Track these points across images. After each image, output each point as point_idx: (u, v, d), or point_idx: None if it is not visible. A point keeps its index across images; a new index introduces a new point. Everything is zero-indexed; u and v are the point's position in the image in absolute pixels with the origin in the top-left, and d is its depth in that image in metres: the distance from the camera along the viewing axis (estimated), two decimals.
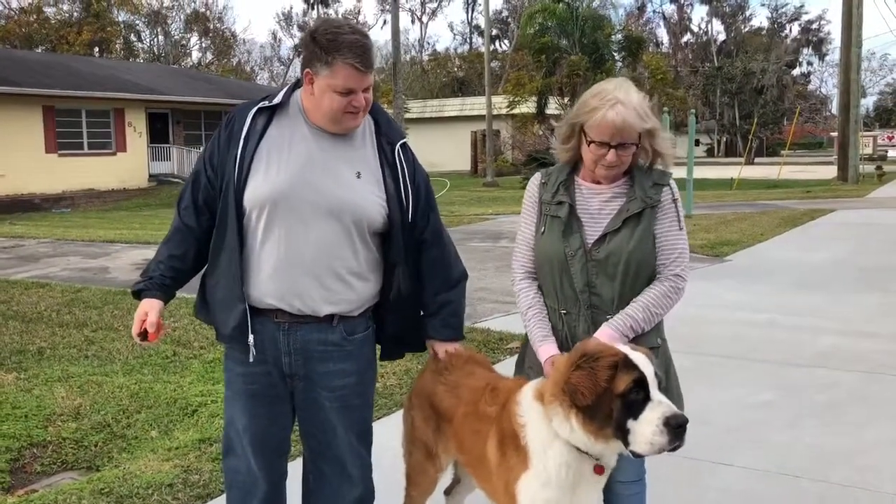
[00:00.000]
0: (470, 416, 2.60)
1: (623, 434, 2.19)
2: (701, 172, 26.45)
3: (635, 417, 2.17)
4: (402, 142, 2.63)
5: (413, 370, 5.44)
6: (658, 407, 2.16)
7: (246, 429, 2.64)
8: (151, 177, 28.95)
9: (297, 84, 2.58)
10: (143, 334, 2.52)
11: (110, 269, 11.01)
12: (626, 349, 2.27)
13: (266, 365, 2.58)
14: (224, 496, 2.85)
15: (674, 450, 2.17)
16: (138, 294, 2.58)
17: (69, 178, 25.90)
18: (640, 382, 2.18)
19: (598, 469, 2.34)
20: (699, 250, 11.50)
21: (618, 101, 2.50)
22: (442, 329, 2.74)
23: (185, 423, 4.76)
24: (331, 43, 2.38)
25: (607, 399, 2.18)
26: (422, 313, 2.75)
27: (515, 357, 3.04)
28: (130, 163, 28.19)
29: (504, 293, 8.38)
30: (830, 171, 31.58)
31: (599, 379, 2.18)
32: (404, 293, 2.64)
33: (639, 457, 2.24)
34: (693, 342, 6.40)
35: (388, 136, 2.61)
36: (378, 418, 4.66)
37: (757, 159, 49.33)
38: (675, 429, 2.13)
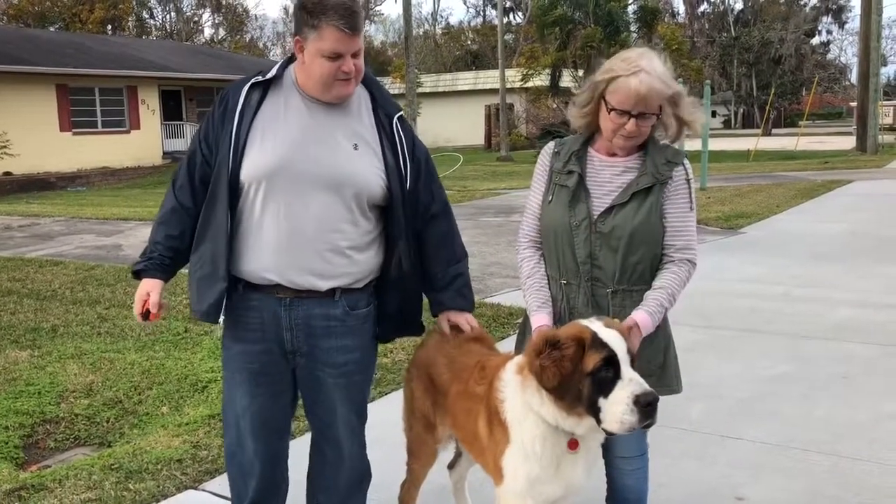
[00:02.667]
0: (462, 395, 2.60)
1: (595, 412, 2.17)
2: (717, 144, 26.20)
3: (606, 396, 2.14)
4: (399, 114, 2.60)
5: None
6: (628, 385, 2.13)
7: (246, 409, 2.63)
8: (165, 154, 29.05)
9: (292, 59, 2.55)
10: (146, 314, 2.54)
11: (124, 246, 11.05)
12: (596, 326, 2.23)
13: (266, 343, 2.56)
14: None
15: (646, 427, 2.15)
16: (138, 274, 2.58)
17: (83, 157, 26.05)
18: (610, 360, 2.15)
19: (572, 443, 2.30)
20: (713, 223, 11.39)
21: (641, 69, 2.46)
22: (457, 299, 2.73)
23: (196, 400, 4.79)
24: (317, 6, 2.35)
25: (576, 378, 2.16)
26: (431, 287, 2.72)
27: None
28: (144, 140, 28.29)
29: (515, 268, 8.34)
30: (849, 142, 31.15)
31: (565, 361, 2.16)
32: (406, 270, 2.60)
33: (611, 435, 2.21)
34: (708, 315, 6.36)
35: (385, 109, 2.58)
36: (386, 393, 4.66)
37: (774, 130, 48.77)
38: (645, 407, 2.10)
